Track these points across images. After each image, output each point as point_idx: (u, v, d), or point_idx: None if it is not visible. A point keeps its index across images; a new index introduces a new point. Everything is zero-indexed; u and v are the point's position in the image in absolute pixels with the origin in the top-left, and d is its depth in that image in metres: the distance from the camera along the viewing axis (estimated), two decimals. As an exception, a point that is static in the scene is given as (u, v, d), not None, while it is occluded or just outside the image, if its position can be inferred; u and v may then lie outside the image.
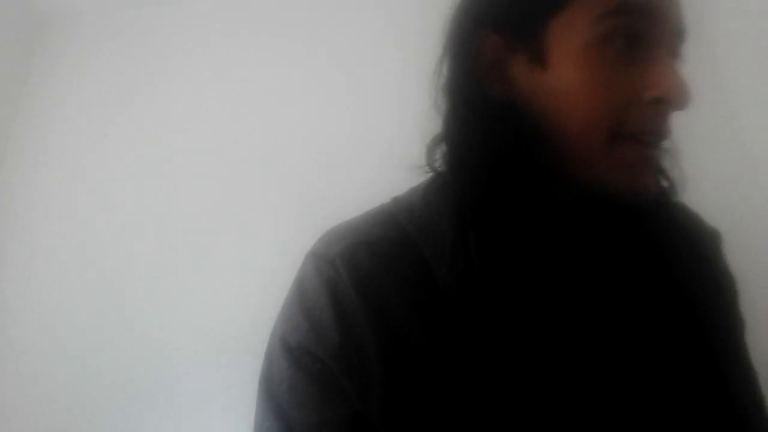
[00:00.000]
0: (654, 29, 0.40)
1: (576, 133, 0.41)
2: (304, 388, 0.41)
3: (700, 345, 0.44)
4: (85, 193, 1.63)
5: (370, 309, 0.41)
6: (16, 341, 1.55)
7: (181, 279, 1.45)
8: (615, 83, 0.40)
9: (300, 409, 0.40)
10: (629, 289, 0.44)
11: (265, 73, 1.57)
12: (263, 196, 1.45)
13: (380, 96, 1.37)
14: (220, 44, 1.64)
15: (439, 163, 0.48)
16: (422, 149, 0.49)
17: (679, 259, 0.46)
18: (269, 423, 0.42)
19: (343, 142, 1.39)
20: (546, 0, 0.42)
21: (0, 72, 1.71)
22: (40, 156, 1.72)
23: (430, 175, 0.49)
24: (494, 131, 0.43)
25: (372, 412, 0.39)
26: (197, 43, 1.67)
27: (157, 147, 1.60)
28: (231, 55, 1.62)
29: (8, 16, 1.74)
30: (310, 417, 0.40)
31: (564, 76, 0.41)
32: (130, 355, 1.42)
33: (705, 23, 1.25)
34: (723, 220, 0.55)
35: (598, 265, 0.44)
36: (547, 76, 0.42)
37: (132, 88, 1.69)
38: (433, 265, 0.42)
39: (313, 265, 0.45)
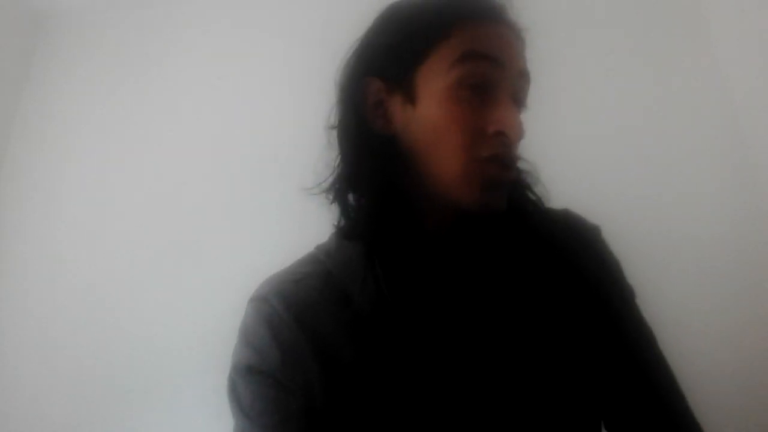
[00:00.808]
0: (497, 75, 0.51)
1: (440, 160, 0.51)
2: (262, 399, 0.51)
3: (595, 314, 0.54)
4: (83, 192, 1.63)
5: (302, 327, 0.52)
6: (15, 341, 1.54)
7: (181, 279, 1.44)
8: (466, 118, 0.50)
9: (265, 414, 0.50)
10: (522, 284, 0.53)
11: (265, 72, 1.57)
12: (263, 196, 1.44)
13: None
14: (219, 43, 1.64)
15: (327, 190, 0.59)
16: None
17: (563, 248, 0.57)
18: (246, 429, 0.51)
19: None
20: (414, 51, 0.53)
21: None
22: (38, 155, 1.72)
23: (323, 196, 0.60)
24: (376, 161, 0.54)
25: (318, 404, 0.49)
26: (196, 42, 1.67)
27: (156, 146, 1.60)
28: (230, 54, 1.62)
29: (7, 15, 1.74)
30: (274, 417, 0.50)
31: (429, 112, 0.52)
32: (128, 355, 1.41)
33: (705, 25, 1.25)
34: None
35: (487, 273, 0.53)
36: (417, 112, 0.53)
37: (131, 88, 1.69)
38: (349, 290, 0.53)
39: (251, 307, 0.56)
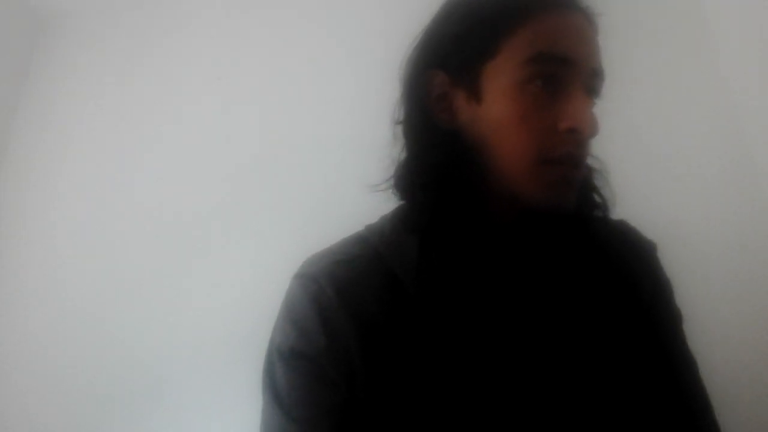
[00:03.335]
0: (569, 72, 0.49)
1: (507, 157, 0.50)
2: (301, 386, 0.49)
3: (644, 333, 0.52)
4: (84, 192, 1.63)
5: (349, 313, 0.50)
6: (15, 341, 1.55)
7: (181, 280, 1.44)
8: (535, 117, 0.48)
9: (301, 404, 0.48)
10: (575, 288, 0.52)
11: (267, 73, 1.56)
12: (263, 197, 1.44)
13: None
14: (221, 42, 1.64)
15: (394, 184, 0.57)
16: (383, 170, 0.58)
17: (619, 261, 0.55)
18: (277, 418, 0.49)
19: (347, 144, 1.38)
20: (481, 48, 0.50)
21: None
22: (39, 155, 1.72)
23: (386, 191, 0.58)
24: (441, 155, 0.52)
25: (359, 396, 0.48)
26: (197, 42, 1.66)
27: (156, 146, 1.60)
28: (232, 54, 1.61)
29: (7, 15, 1.74)
30: (311, 409, 0.48)
31: (495, 110, 0.50)
32: (128, 356, 1.41)
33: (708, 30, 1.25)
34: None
35: (542, 272, 0.52)
36: (482, 109, 0.51)
37: (131, 87, 1.69)
38: (401, 277, 0.51)
39: (298, 283, 0.54)
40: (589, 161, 0.53)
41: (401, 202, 0.57)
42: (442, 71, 0.53)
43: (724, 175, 1.17)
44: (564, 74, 0.48)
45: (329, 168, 1.38)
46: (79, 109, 1.72)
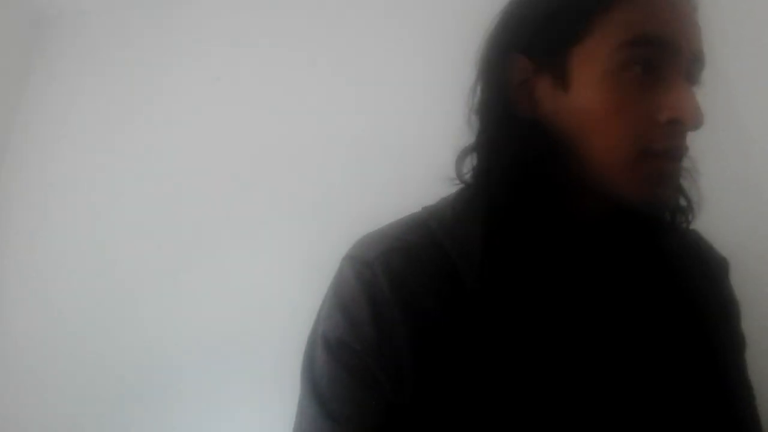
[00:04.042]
0: (670, 57, 0.43)
1: (599, 151, 0.45)
2: (342, 381, 0.45)
3: (705, 358, 0.48)
4: (85, 193, 1.63)
5: (404, 308, 0.45)
6: (16, 340, 1.55)
7: (183, 279, 1.44)
8: (633, 107, 0.43)
9: (340, 400, 0.44)
10: (642, 300, 0.48)
11: (266, 72, 1.56)
12: (267, 197, 1.44)
13: (403, 102, 1.32)
14: (227, 40, 1.63)
15: (468, 175, 0.53)
16: (450, 161, 0.53)
17: (689, 277, 0.51)
18: (313, 411, 0.45)
19: (359, 146, 1.36)
20: (570, 31, 0.45)
21: None
22: (39, 156, 1.72)
23: (459, 186, 0.53)
24: (520, 146, 0.47)
25: (404, 400, 0.43)
26: (201, 41, 1.66)
27: (159, 147, 1.60)
28: (231, 53, 1.61)
29: (7, 15, 1.74)
30: (350, 408, 0.44)
31: (585, 99, 0.45)
32: (131, 355, 1.41)
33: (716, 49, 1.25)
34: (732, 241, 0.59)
35: (613, 277, 0.48)
36: (569, 98, 0.46)
37: (131, 88, 1.69)
38: (462, 270, 0.47)
39: (351, 267, 0.49)
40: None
41: (463, 186, 0.53)
42: (525, 56, 0.48)
43: (725, 175, 1.17)
44: (664, 59, 0.43)
45: (333, 168, 1.38)
46: (79, 109, 1.72)
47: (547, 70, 0.47)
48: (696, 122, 0.43)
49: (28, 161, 1.73)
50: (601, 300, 0.47)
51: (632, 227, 0.49)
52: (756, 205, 1.05)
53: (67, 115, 1.73)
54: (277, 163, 1.44)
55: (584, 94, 0.45)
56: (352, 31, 1.46)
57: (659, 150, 0.44)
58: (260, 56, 1.57)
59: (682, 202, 0.51)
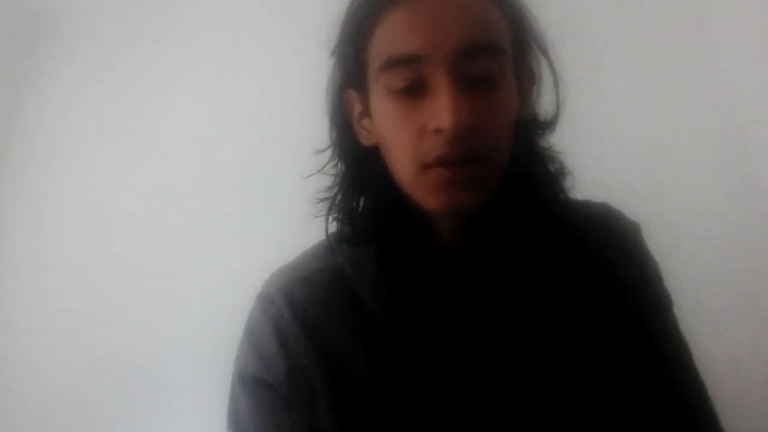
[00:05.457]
0: (427, 68, 0.43)
1: (395, 169, 0.48)
2: (262, 415, 0.47)
3: (629, 326, 0.49)
4: (83, 192, 1.63)
5: (309, 335, 0.48)
6: (14, 340, 1.55)
7: (180, 278, 1.45)
8: (406, 123, 0.45)
9: None
10: (548, 287, 0.49)
11: (264, 71, 1.56)
12: (260, 195, 1.44)
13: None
14: (219, 42, 1.64)
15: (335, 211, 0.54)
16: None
17: (597, 251, 0.52)
18: None
19: None
20: (355, 61, 0.48)
21: (-1, 72, 1.72)
22: (38, 155, 1.72)
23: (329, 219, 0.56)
24: (363, 173, 0.51)
25: (323, 422, 0.46)
26: (196, 42, 1.66)
27: (155, 146, 1.60)
28: (230, 54, 1.61)
29: (7, 15, 1.74)
30: None
31: (377, 123, 0.49)
32: (131, 354, 1.42)
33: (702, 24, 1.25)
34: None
35: (511, 276, 0.49)
36: (372, 123, 0.50)
37: (130, 88, 1.69)
38: (360, 294, 0.49)
39: (258, 306, 0.53)
40: (554, 151, 0.51)
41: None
42: (354, 90, 0.51)
43: (725, 173, 1.17)
44: (425, 71, 0.43)
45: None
46: (79, 109, 1.72)
47: (360, 101, 0.51)
48: (456, 127, 0.42)
49: (28, 161, 1.73)
50: (499, 302, 0.48)
51: (513, 219, 0.50)
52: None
53: (67, 114, 1.73)
54: (277, 163, 1.44)
55: (375, 119, 0.48)
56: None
57: (434, 160, 0.44)
58: (260, 56, 1.58)
59: (556, 189, 0.52)
